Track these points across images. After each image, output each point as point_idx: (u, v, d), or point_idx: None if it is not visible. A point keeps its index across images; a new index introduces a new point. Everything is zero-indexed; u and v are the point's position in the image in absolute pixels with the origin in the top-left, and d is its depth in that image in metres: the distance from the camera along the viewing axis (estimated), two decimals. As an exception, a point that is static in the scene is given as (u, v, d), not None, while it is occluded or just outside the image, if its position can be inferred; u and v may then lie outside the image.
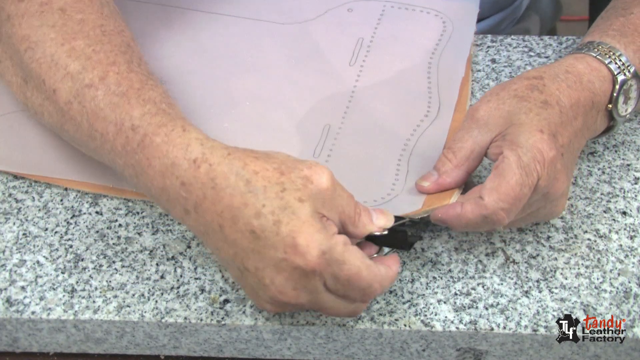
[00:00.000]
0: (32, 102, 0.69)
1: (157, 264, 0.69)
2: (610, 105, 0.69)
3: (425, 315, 0.65)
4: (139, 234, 0.71)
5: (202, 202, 0.59)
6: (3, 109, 0.78)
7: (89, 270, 0.69)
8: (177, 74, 0.81)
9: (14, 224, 0.72)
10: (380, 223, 0.63)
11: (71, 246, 0.70)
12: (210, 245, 0.61)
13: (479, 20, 0.87)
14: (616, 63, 0.69)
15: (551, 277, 0.67)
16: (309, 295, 0.59)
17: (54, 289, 0.67)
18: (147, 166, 0.62)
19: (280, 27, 0.85)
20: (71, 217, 0.72)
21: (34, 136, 0.76)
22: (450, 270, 0.68)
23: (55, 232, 0.71)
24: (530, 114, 0.64)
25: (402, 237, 0.65)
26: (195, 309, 0.66)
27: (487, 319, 0.65)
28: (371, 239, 0.64)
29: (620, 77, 0.68)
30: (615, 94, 0.68)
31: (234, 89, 0.80)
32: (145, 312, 0.66)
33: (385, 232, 0.63)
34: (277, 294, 0.59)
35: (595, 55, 0.69)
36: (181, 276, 0.68)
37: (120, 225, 0.72)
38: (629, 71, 0.69)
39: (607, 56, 0.69)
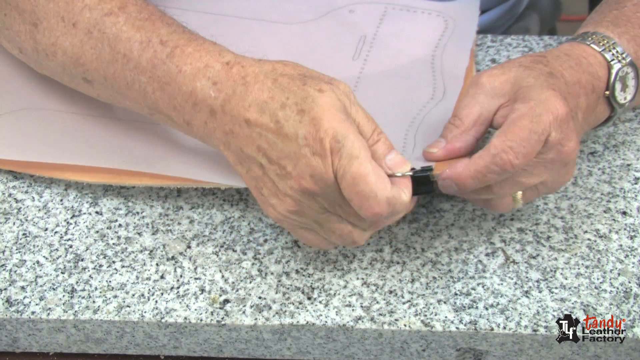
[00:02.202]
0: (44, 44, 0.70)
1: (157, 264, 0.69)
2: (607, 92, 0.69)
3: (425, 315, 0.65)
4: (139, 234, 0.71)
5: (231, 98, 0.62)
6: (14, 105, 0.79)
7: (89, 270, 0.69)
8: None
9: (14, 224, 0.72)
10: (396, 162, 0.63)
11: (71, 246, 0.70)
12: (234, 145, 0.63)
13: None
14: (610, 51, 0.69)
15: (551, 277, 0.67)
16: (324, 188, 0.60)
17: (54, 289, 0.67)
18: (176, 73, 0.64)
19: (281, 26, 0.85)
20: (71, 217, 0.72)
21: (41, 131, 0.77)
22: (450, 270, 0.68)
23: (55, 232, 0.71)
24: (540, 79, 0.64)
25: (424, 179, 0.64)
26: (195, 309, 0.66)
27: (487, 319, 0.65)
28: None
29: (616, 65, 0.69)
30: (612, 81, 0.69)
31: None
32: (145, 312, 0.66)
33: (409, 174, 0.62)
34: (298, 180, 0.60)
35: (589, 43, 0.69)
36: (181, 276, 0.68)
37: (120, 225, 0.72)
38: (624, 59, 0.69)
39: (602, 44, 0.69)
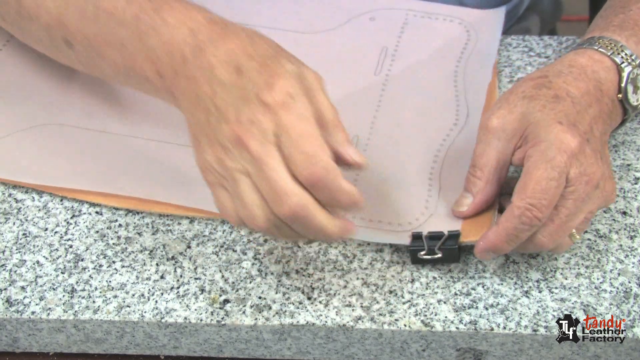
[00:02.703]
0: (28, 6, 0.71)
1: (157, 264, 0.69)
2: (620, 95, 0.69)
3: (425, 315, 0.65)
4: (139, 234, 0.71)
5: (206, 46, 0.62)
6: (28, 122, 0.78)
7: (89, 270, 0.69)
8: None
9: (14, 224, 0.72)
10: (353, 155, 0.61)
11: (71, 246, 0.70)
12: (191, 92, 0.62)
13: None
14: (619, 54, 0.69)
15: (551, 277, 0.67)
16: (257, 137, 0.59)
17: (54, 289, 0.67)
18: (160, 25, 0.64)
19: (301, 36, 0.84)
20: (71, 217, 0.72)
21: (61, 149, 0.76)
22: (450, 270, 0.68)
23: (55, 232, 0.71)
24: (545, 110, 0.64)
25: (454, 253, 0.66)
26: (195, 309, 0.66)
27: (487, 319, 0.65)
28: (420, 260, 0.67)
29: (627, 68, 0.68)
30: (623, 84, 0.68)
31: None
32: (145, 312, 0.66)
33: (439, 255, 0.65)
34: (233, 126, 0.59)
35: (597, 48, 0.69)
36: (181, 276, 0.68)
37: (120, 225, 0.72)
38: (633, 61, 0.69)
39: (609, 48, 0.69)
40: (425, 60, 0.82)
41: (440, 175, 0.72)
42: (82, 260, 0.69)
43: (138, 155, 0.75)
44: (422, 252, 0.66)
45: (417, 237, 0.67)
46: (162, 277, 0.68)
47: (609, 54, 0.69)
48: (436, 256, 0.66)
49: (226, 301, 0.66)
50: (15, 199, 0.74)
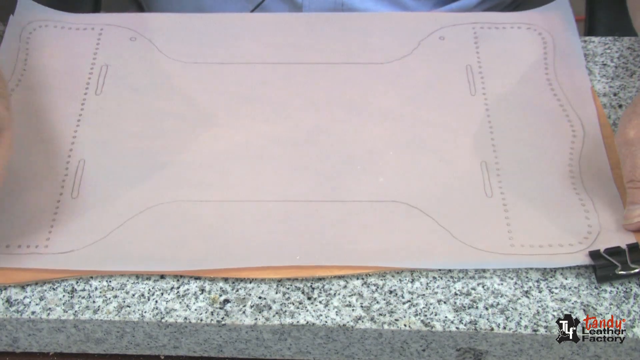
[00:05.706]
0: None
1: (157, 264, 0.69)
2: None
3: (425, 315, 0.65)
4: (139, 233, 0.71)
5: None
6: (138, 207, 0.71)
7: (88, 270, 0.69)
8: (314, 133, 0.77)
9: (14, 223, 0.72)
10: None
11: (71, 246, 0.70)
12: None
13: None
14: None
15: (551, 277, 0.67)
16: None
17: (54, 289, 0.67)
18: None
19: (380, 67, 0.82)
20: (71, 217, 0.72)
21: (187, 227, 0.70)
22: (450, 270, 0.68)
23: (55, 232, 0.71)
24: None
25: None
26: (195, 309, 0.66)
27: (487, 319, 0.65)
28: (611, 277, 0.66)
29: None
30: None
31: (372, 140, 0.76)
32: (145, 312, 0.66)
33: (638, 270, 0.65)
34: None
35: None
36: (181, 276, 0.68)
37: (119, 225, 0.72)
38: None
39: None
40: (514, 73, 0.81)
41: (585, 188, 0.71)
42: (82, 260, 0.69)
43: (271, 220, 0.71)
44: (618, 269, 0.65)
45: (596, 255, 0.66)
46: (162, 277, 0.68)
47: None
48: (634, 271, 0.65)
49: (226, 301, 0.66)
50: (14, 198, 0.74)
